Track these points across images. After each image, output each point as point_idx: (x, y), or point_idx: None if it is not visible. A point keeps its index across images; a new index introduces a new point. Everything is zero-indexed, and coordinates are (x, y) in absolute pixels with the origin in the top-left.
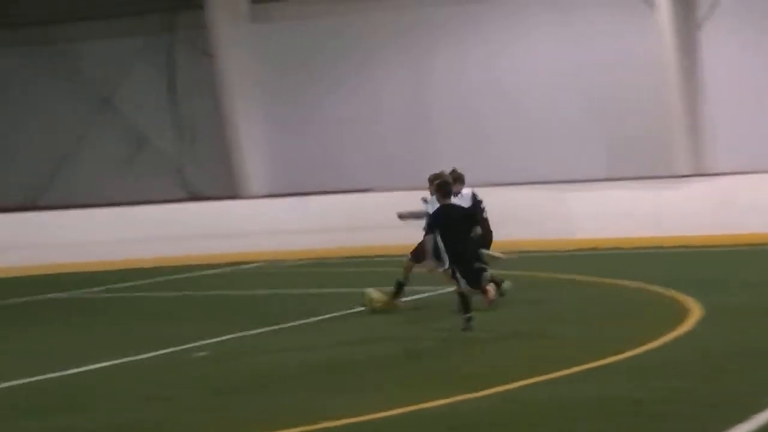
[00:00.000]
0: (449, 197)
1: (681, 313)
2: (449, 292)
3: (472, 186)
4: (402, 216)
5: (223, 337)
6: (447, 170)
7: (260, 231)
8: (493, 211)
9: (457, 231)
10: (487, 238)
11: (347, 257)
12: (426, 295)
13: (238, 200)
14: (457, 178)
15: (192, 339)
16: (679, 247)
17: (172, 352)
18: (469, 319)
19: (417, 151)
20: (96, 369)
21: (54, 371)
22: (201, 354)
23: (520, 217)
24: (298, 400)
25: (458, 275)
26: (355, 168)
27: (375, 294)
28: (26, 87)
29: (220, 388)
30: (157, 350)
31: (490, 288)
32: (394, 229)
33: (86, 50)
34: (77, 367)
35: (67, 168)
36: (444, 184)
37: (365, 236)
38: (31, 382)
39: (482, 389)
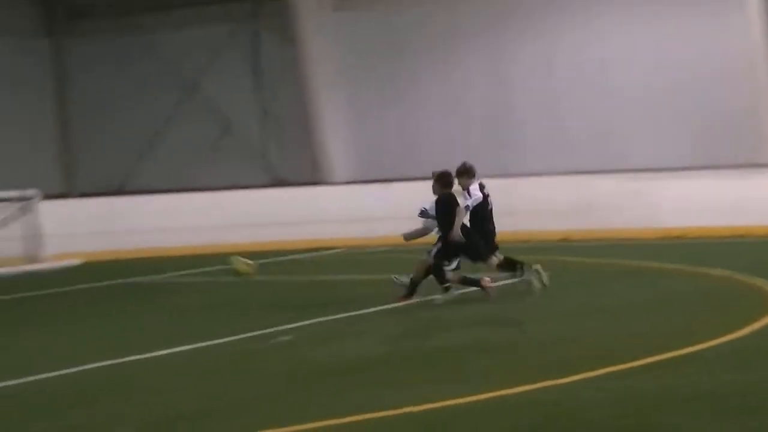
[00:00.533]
0: (450, 187)
1: (767, 303)
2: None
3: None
4: (407, 237)
5: (306, 322)
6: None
7: (343, 217)
8: (579, 200)
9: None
10: (488, 231)
11: (430, 243)
12: (503, 283)
13: (321, 186)
14: (466, 171)
15: (275, 323)
16: (766, 236)
17: (256, 336)
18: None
19: (499, 138)
20: (180, 351)
21: (141, 353)
22: (285, 338)
23: (606, 205)
24: (376, 386)
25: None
26: (437, 155)
27: (238, 263)
28: (115, 75)
29: (303, 373)
30: (240, 334)
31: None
32: None
33: (173, 38)
34: (161, 349)
35: (154, 154)
36: (446, 175)
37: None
38: (113, 364)
39: (565, 377)
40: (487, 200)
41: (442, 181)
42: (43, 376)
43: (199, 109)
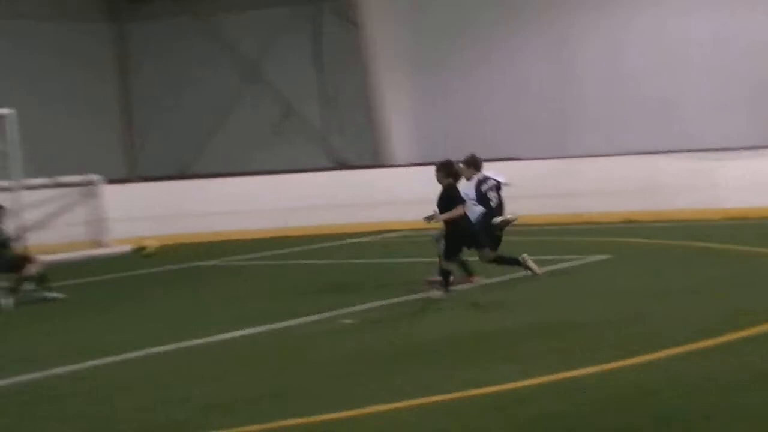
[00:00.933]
0: (455, 177)
1: None
2: (597, 261)
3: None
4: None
5: (369, 305)
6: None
7: (405, 199)
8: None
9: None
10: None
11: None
12: (569, 264)
13: (383, 169)
14: (472, 163)
15: (338, 306)
16: None
17: (318, 319)
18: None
19: (563, 119)
20: (244, 335)
21: (205, 337)
22: (347, 321)
23: (669, 186)
24: (443, 368)
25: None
26: (500, 137)
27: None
28: (176, 59)
29: (367, 356)
30: (304, 317)
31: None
32: (538, 199)
33: (234, 21)
34: (225, 333)
35: (215, 138)
36: (449, 164)
37: (509, 205)
38: (179, 347)
39: (630, 358)
40: (487, 195)
41: (446, 171)
42: (109, 359)
43: (260, 92)
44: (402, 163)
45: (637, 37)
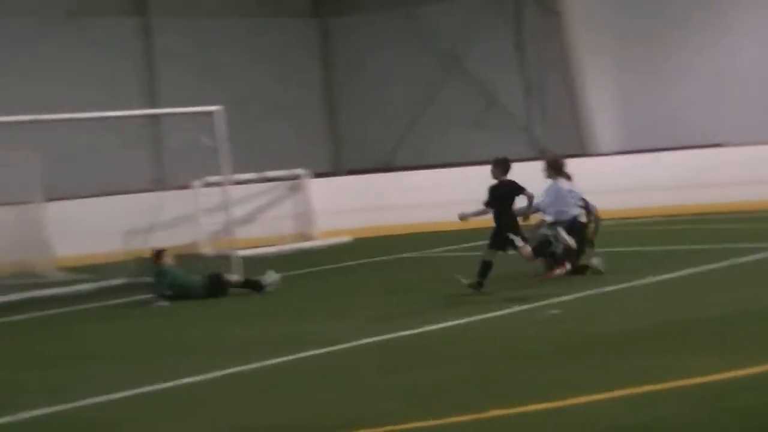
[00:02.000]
0: (508, 173)
1: None
2: None
3: None
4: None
5: (575, 296)
6: None
7: (609, 188)
8: None
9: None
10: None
11: (697, 214)
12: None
13: (586, 158)
14: (501, 164)
15: (544, 297)
16: None
17: (527, 309)
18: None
19: None
20: (450, 326)
21: (414, 328)
22: (553, 312)
23: None
24: (648, 358)
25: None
26: (705, 123)
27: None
28: (378, 52)
29: (572, 346)
30: (510, 308)
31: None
32: (744, 186)
33: (435, 12)
34: (434, 324)
35: (418, 129)
36: (505, 161)
37: (715, 193)
38: (386, 339)
39: None
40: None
41: (502, 167)
42: (311, 353)
43: (462, 83)
44: (606, 152)
45: None
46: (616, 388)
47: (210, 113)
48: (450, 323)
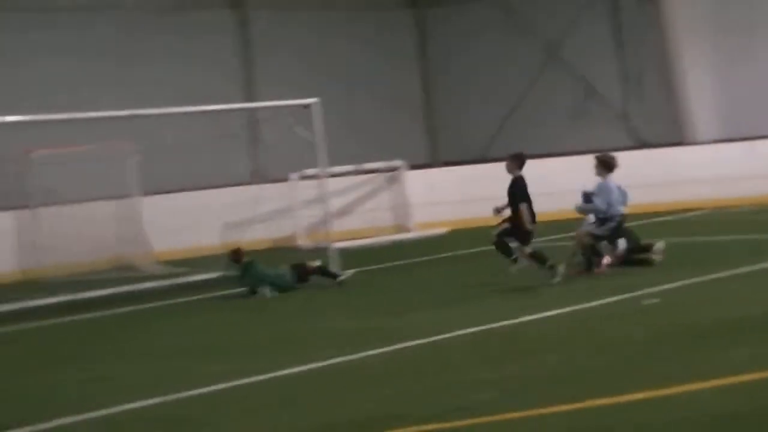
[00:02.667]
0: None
1: None
2: None
3: None
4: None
5: (673, 285)
6: None
7: (707, 178)
8: None
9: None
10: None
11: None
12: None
13: (684, 147)
14: (516, 158)
15: (643, 286)
16: None
17: (623, 299)
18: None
19: None
20: (547, 316)
21: (510, 319)
22: (651, 301)
23: None
24: (743, 348)
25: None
26: None
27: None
28: (475, 42)
29: (664, 336)
30: (609, 297)
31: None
32: None
33: (533, 2)
34: (532, 314)
35: (515, 119)
36: (520, 156)
37: None
38: (479, 330)
39: None
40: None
41: (519, 162)
42: (407, 344)
43: (559, 72)
44: (704, 140)
45: None
46: (718, 377)
47: (307, 106)
48: (547, 313)
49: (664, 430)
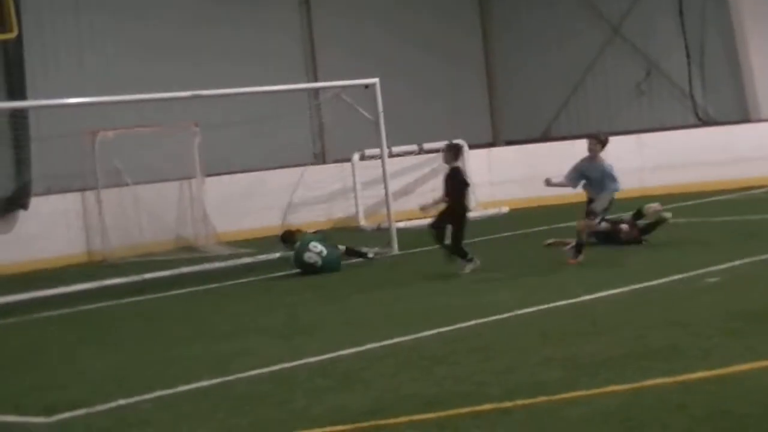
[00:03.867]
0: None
1: None
2: None
3: None
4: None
5: (734, 263)
6: None
7: None
8: None
9: None
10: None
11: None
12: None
13: (749, 124)
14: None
15: (704, 265)
16: None
17: (685, 277)
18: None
19: None
20: (607, 295)
21: (571, 298)
22: (712, 280)
23: None
24: None
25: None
26: None
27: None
28: (538, 20)
29: (726, 315)
30: (671, 276)
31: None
32: None
33: None
34: (593, 293)
35: (578, 97)
36: (456, 147)
37: None
38: (541, 309)
39: None
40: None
41: (455, 152)
42: (471, 323)
43: (623, 50)
44: (767, 118)
45: None
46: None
47: (368, 86)
48: (607, 292)
49: (730, 408)
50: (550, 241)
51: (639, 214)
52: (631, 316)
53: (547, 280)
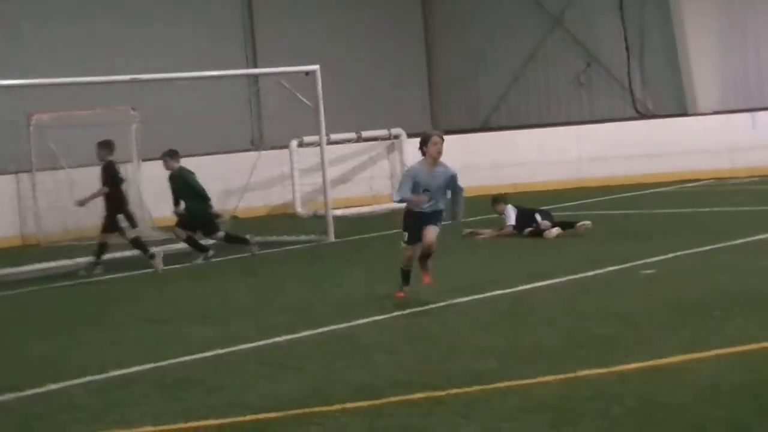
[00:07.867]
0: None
1: None
2: None
3: None
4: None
5: (669, 255)
6: None
7: (709, 148)
8: None
9: None
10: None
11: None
12: None
13: (687, 117)
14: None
15: (640, 256)
16: None
17: (622, 269)
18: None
19: None
20: (543, 286)
21: (505, 288)
22: (649, 271)
23: None
24: (739, 320)
25: None
26: None
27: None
28: (479, 12)
29: (660, 307)
30: (608, 267)
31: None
32: None
33: None
34: (528, 284)
35: (519, 88)
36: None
37: None
38: (482, 298)
39: None
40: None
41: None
42: (404, 312)
43: (563, 41)
44: (705, 112)
45: None
46: (714, 348)
47: (308, 72)
48: (545, 282)
49: (664, 399)
50: (467, 231)
51: (570, 226)
52: (568, 306)
53: (485, 269)
